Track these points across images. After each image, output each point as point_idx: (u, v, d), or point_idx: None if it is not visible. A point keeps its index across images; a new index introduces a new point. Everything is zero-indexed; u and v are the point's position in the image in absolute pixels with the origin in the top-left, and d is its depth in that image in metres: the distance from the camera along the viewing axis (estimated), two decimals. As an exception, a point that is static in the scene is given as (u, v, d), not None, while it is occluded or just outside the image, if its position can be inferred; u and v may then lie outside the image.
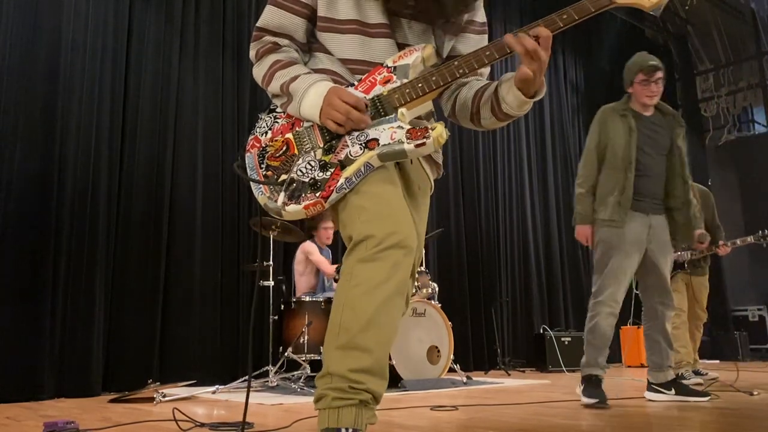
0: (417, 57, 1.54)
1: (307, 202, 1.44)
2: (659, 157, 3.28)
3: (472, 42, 1.67)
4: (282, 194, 1.46)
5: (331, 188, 1.44)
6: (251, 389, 4.10)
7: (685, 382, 4.26)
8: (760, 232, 4.81)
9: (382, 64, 1.55)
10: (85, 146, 4.18)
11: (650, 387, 3.28)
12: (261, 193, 1.50)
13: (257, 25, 1.63)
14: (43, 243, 3.85)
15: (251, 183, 1.52)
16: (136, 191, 4.44)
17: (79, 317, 3.96)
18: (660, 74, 3.30)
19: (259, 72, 1.62)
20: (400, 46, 1.58)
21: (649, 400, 3.25)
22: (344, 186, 1.44)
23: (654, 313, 3.24)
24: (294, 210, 1.45)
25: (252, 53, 1.65)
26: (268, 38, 1.62)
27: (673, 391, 3.20)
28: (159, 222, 4.50)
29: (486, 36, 1.71)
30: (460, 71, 1.50)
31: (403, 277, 1.40)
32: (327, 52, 1.61)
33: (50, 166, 3.97)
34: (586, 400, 3.07)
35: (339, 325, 1.37)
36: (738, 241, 4.64)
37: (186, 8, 4.94)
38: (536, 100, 1.55)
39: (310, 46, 1.66)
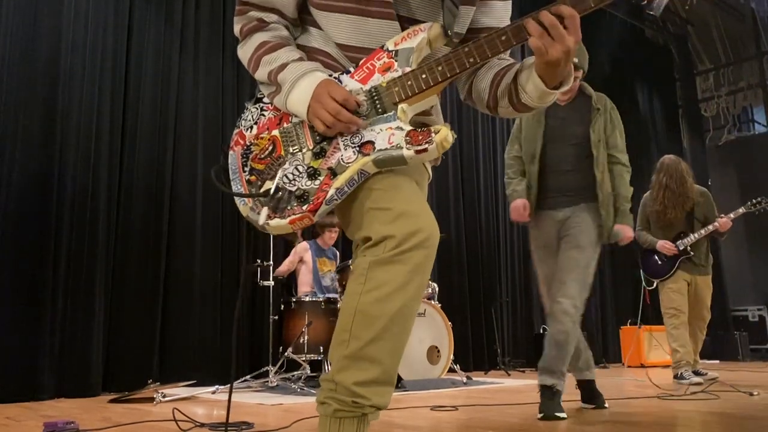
0: (422, 39, 1.35)
1: (293, 217, 1.29)
2: (569, 148, 2.99)
3: (497, 11, 1.47)
4: (265, 208, 1.31)
5: (320, 200, 1.29)
6: (251, 389, 4.10)
7: (684, 382, 4.28)
8: (750, 201, 4.81)
9: (381, 47, 1.37)
10: (85, 146, 4.17)
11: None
12: (243, 203, 1.36)
13: None
14: (43, 243, 3.84)
15: (233, 186, 1.38)
16: (136, 191, 4.43)
17: (79, 317, 3.96)
18: (578, 72, 2.99)
19: (244, 54, 1.46)
20: (403, 20, 1.39)
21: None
22: (335, 197, 1.29)
23: (550, 314, 2.87)
24: (278, 225, 1.31)
25: (236, 29, 1.47)
26: (254, 13, 1.44)
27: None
28: (159, 222, 4.50)
29: (510, 2, 1.51)
30: (471, 60, 1.30)
31: (422, 281, 1.28)
32: (321, 28, 1.43)
33: (50, 166, 3.97)
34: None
35: (349, 332, 1.26)
36: (731, 215, 4.64)
37: (186, 8, 4.93)
38: (561, 91, 1.35)
39: (302, 19, 1.48)
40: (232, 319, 4.77)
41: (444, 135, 1.27)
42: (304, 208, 1.29)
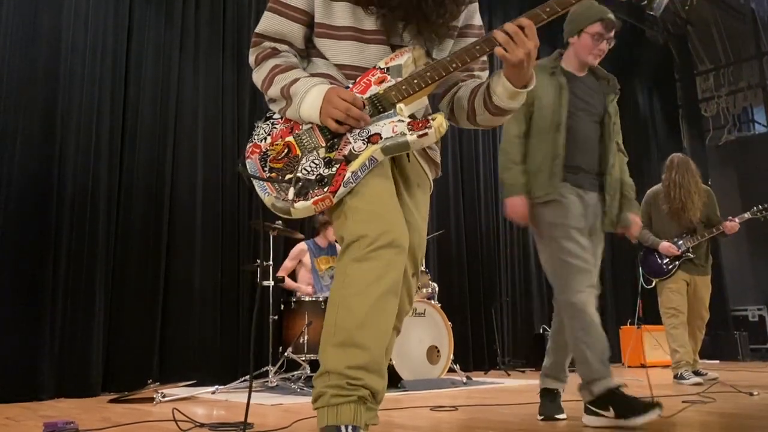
0: (408, 57, 1.57)
1: (316, 198, 1.45)
2: (592, 125, 2.72)
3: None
4: (291, 191, 1.47)
5: (339, 182, 1.45)
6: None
7: (685, 382, 4.28)
8: (756, 207, 4.80)
9: (374, 67, 1.58)
10: (85, 146, 4.18)
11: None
12: (267, 194, 1.50)
13: (256, 31, 1.65)
14: (43, 243, 3.85)
15: (255, 185, 1.52)
16: (136, 191, 4.44)
17: (79, 317, 3.96)
18: (612, 34, 2.71)
19: (258, 77, 1.63)
20: (395, 48, 1.60)
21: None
22: (351, 180, 1.45)
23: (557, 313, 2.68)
24: (303, 206, 1.45)
25: (251, 59, 1.66)
26: (268, 44, 1.64)
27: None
28: (159, 222, 4.50)
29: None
30: (453, 65, 1.53)
31: (396, 276, 1.42)
32: (323, 57, 1.63)
33: (50, 166, 3.97)
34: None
35: (335, 324, 1.39)
36: (736, 219, 4.62)
37: (186, 8, 4.94)
38: (528, 90, 1.57)
39: (308, 52, 1.68)
40: (232, 319, 4.77)
41: (440, 121, 1.49)
42: (325, 189, 1.46)
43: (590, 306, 2.50)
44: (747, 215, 4.74)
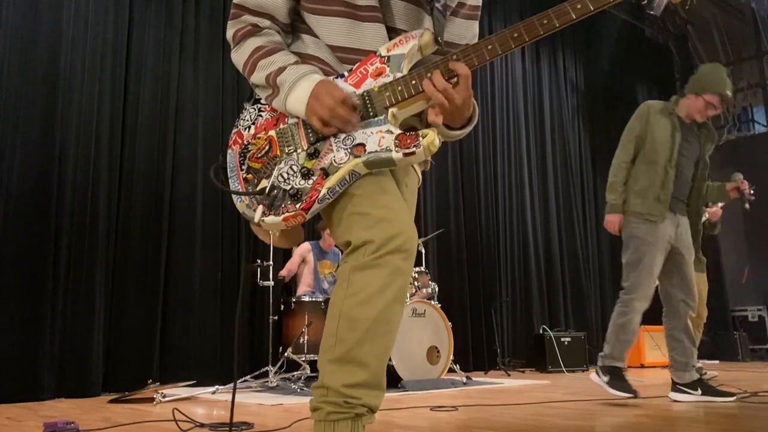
0: (413, 46, 1.39)
1: (287, 214, 1.35)
2: (691, 164, 3.41)
3: (457, 26, 1.53)
4: (260, 206, 1.38)
5: (313, 199, 1.34)
6: (251, 390, 4.11)
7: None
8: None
9: (374, 53, 1.41)
10: (85, 146, 4.18)
11: (675, 387, 3.30)
12: (240, 200, 1.42)
13: (235, 1, 1.48)
14: (43, 243, 3.85)
15: (231, 186, 1.44)
16: (136, 191, 4.44)
17: (79, 317, 3.96)
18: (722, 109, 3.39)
19: (238, 58, 1.49)
20: (390, 30, 1.44)
21: (674, 401, 3.26)
22: (327, 196, 1.34)
23: (676, 312, 3.29)
24: (272, 222, 1.36)
25: (229, 34, 1.50)
26: (247, 18, 1.47)
27: (699, 392, 3.20)
28: (159, 222, 4.50)
29: (476, 22, 1.57)
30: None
31: (403, 284, 1.33)
32: (314, 35, 1.47)
33: (50, 166, 3.97)
34: (616, 393, 3.18)
35: (335, 336, 1.30)
36: (720, 204, 4.67)
37: (186, 8, 4.94)
38: (470, 128, 1.44)
39: (294, 26, 1.51)
40: (232, 319, 4.77)
41: (431, 139, 1.33)
42: (298, 206, 1.35)
43: (637, 310, 3.24)
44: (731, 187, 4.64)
